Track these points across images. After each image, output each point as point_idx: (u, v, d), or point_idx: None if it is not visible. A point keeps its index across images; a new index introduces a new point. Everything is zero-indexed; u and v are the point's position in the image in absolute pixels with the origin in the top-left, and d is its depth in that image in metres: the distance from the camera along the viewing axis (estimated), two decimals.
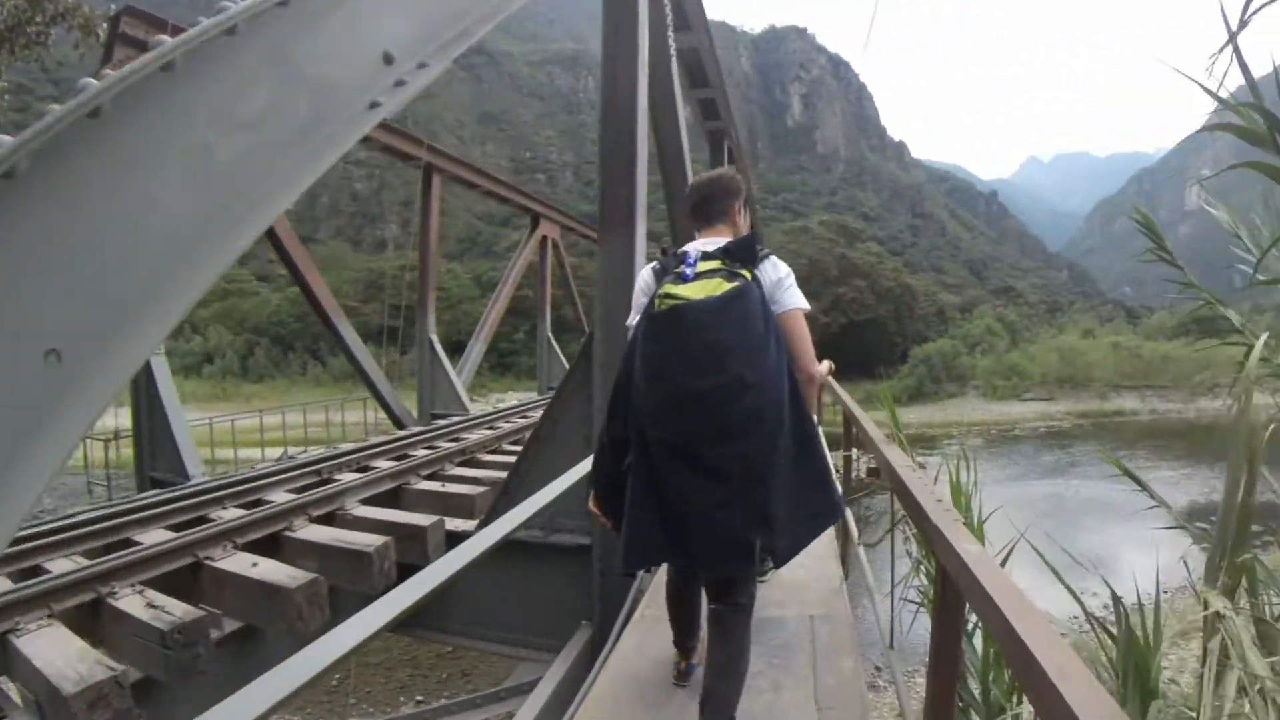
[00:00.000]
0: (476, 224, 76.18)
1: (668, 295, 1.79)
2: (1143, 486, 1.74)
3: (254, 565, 4.14)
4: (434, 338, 12.05)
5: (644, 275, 2.05)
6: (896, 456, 1.90)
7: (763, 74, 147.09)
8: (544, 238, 17.01)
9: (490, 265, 50.02)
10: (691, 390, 1.72)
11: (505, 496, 4.00)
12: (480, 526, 4.09)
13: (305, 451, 9.05)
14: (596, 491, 2.06)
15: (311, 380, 39.94)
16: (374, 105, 1.66)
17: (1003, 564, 2.14)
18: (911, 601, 2.81)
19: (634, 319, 1.97)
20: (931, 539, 1.24)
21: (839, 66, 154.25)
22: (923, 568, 2.82)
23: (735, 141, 10.08)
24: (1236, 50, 1.72)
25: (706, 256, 1.86)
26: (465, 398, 11.99)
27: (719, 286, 1.77)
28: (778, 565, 1.88)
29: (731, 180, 2.14)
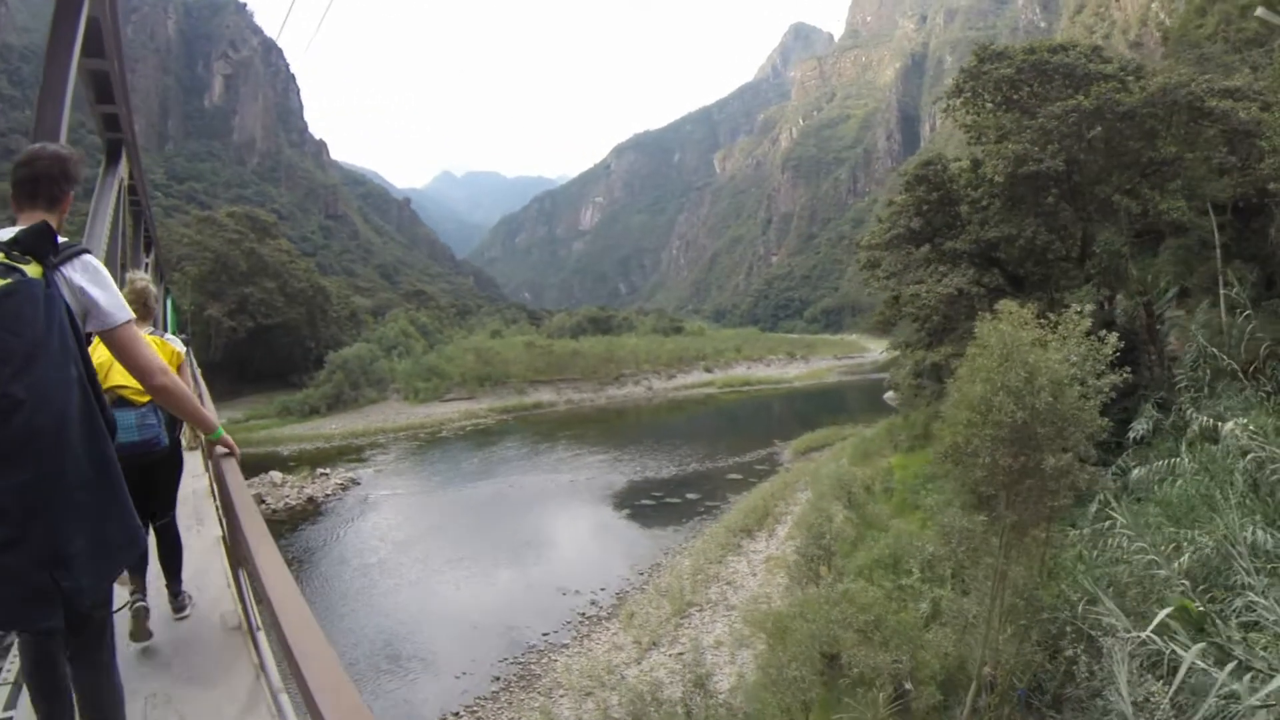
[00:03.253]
0: None
1: None
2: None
3: None
4: None
5: None
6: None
7: (188, 45, 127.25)
8: None
9: None
10: None
11: None
12: None
13: None
14: None
15: None
16: None
17: None
18: None
19: None
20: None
21: (271, 51, 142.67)
22: None
23: (110, 33, 6.32)
24: None
25: None
26: None
27: None
28: (86, 608, 1.66)
29: (77, 165, 1.89)
